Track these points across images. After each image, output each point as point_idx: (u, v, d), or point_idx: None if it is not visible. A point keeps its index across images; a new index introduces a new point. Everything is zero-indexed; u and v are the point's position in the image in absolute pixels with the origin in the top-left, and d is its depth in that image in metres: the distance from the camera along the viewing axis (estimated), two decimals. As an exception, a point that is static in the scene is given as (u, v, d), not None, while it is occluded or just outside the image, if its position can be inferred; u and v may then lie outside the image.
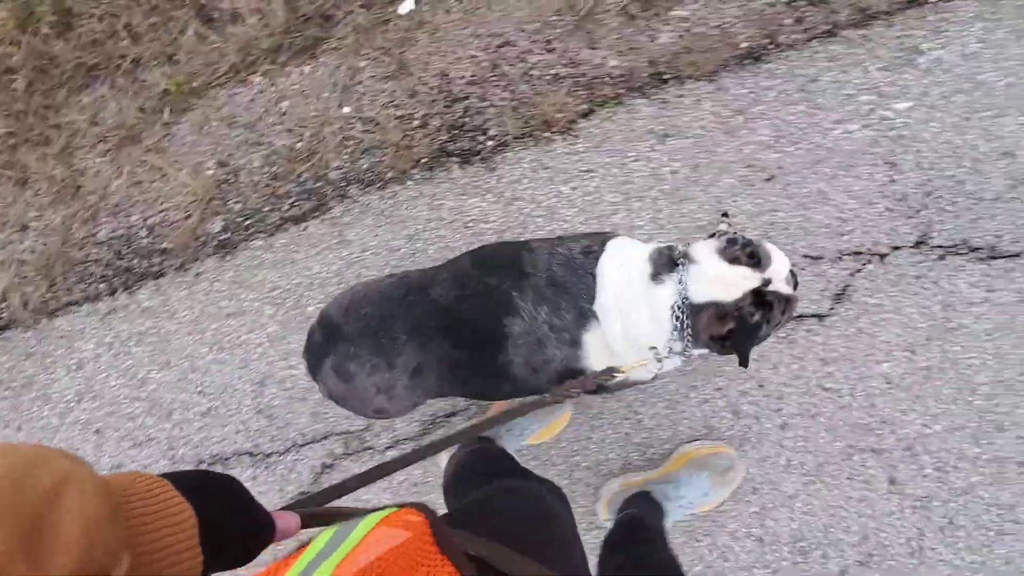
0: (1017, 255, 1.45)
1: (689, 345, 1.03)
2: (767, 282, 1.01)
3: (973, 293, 1.45)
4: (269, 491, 1.66)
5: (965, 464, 1.44)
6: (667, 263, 1.04)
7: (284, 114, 1.77)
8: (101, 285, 1.82)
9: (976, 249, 1.46)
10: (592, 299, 1.05)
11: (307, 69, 1.77)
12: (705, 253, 1.03)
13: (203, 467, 1.70)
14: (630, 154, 1.58)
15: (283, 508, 0.64)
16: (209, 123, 1.81)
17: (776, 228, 1.52)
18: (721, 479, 1.43)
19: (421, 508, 0.54)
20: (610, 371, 1.03)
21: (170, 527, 0.46)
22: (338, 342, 1.14)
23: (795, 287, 1.08)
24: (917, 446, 1.45)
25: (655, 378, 1.18)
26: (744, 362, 1.03)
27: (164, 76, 1.83)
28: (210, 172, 1.79)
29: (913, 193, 1.48)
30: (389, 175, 1.70)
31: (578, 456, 1.56)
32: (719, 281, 1.00)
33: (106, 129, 1.84)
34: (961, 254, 1.46)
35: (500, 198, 1.62)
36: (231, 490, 0.56)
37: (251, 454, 1.68)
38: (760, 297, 1.00)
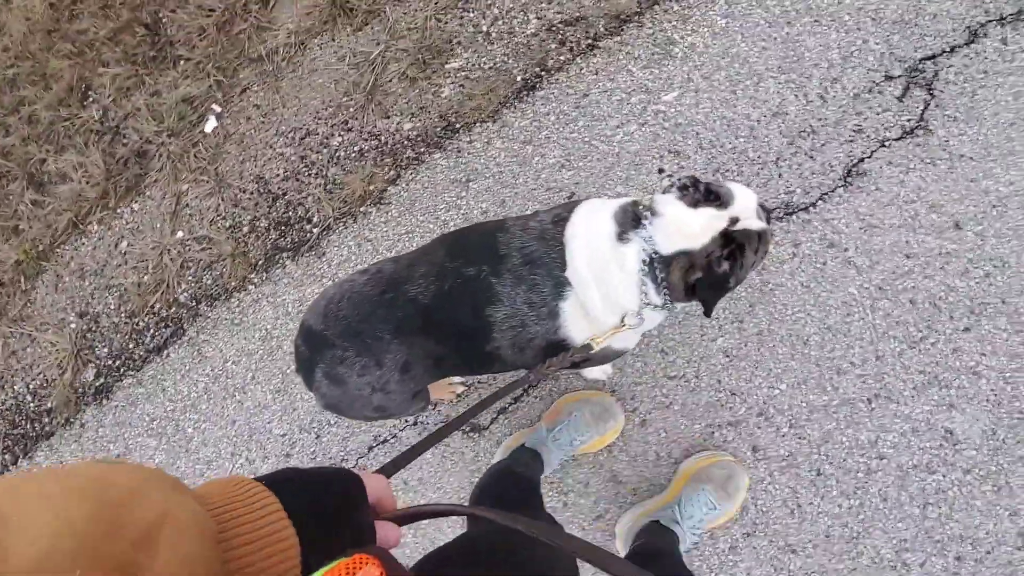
0: (811, 205, 1.50)
1: (668, 300, 1.02)
2: (735, 220, 0.97)
3: (781, 251, 1.51)
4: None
5: (817, 414, 1.48)
6: (632, 219, 1.00)
7: (125, 253, 1.84)
8: (6, 456, 1.88)
9: (771, 210, 1.51)
10: (564, 267, 1.03)
11: (136, 206, 1.85)
12: (667, 202, 0.99)
13: None
14: (440, 207, 1.65)
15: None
16: (62, 280, 1.88)
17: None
18: (724, 490, 1.40)
19: (379, 554, 0.49)
20: (586, 348, 1.02)
21: (273, 556, 0.43)
22: (324, 348, 1.11)
23: (768, 220, 1.06)
24: (769, 409, 1.49)
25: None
26: (707, 312, 1.01)
27: (13, 248, 1.91)
28: (73, 325, 1.86)
29: (701, 173, 1.55)
30: (232, 284, 1.77)
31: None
32: (685, 228, 0.97)
33: (-30, 311, 1.92)
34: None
35: (334, 280, 1.69)
36: (345, 497, 0.53)
37: None
38: (730, 240, 0.97)
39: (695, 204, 0.97)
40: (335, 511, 0.52)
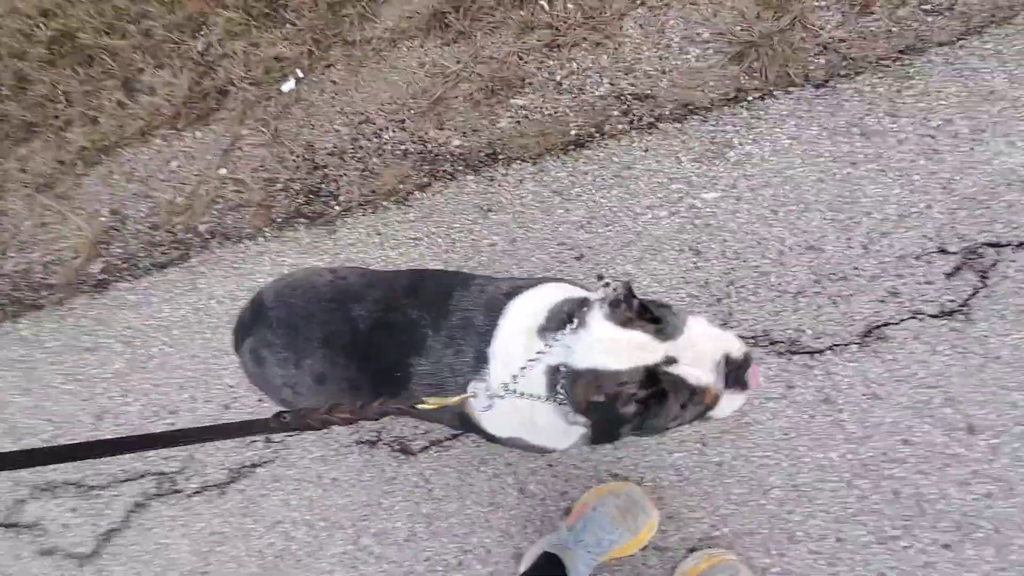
0: (818, 352, 1.39)
1: (571, 415, 0.89)
2: (669, 360, 0.84)
3: (771, 388, 1.39)
4: (84, 523, 1.70)
5: None
6: (562, 319, 0.92)
7: (172, 172, 1.96)
8: (-1, 313, 2.00)
9: (776, 342, 1.41)
10: (490, 342, 0.97)
11: (198, 134, 1.97)
12: (596, 315, 0.88)
13: (38, 491, 1.76)
14: (455, 225, 1.66)
15: None
16: (111, 176, 2.02)
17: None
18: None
19: None
20: (418, 401, 0.91)
21: None
22: (261, 325, 1.12)
23: (737, 381, 0.90)
24: (703, 547, 1.35)
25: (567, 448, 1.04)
26: (592, 439, 0.90)
27: (85, 135, 2.08)
28: (103, 219, 1.98)
29: (716, 281, 1.47)
30: (247, 231, 1.83)
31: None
32: (604, 348, 0.85)
33: (30, 176, 2.09)
34: (761, 346, 1.42)
35: (335, 259, 1.71)
36: None
37: (77, 485, 1.73)
38: (653, 381, 0.83)
39: (625, 323, 0.85)
40: None
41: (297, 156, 1.87)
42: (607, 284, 0.90)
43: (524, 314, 0.97)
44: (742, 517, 1.35)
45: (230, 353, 1.71)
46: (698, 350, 0.85)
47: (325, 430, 0.93)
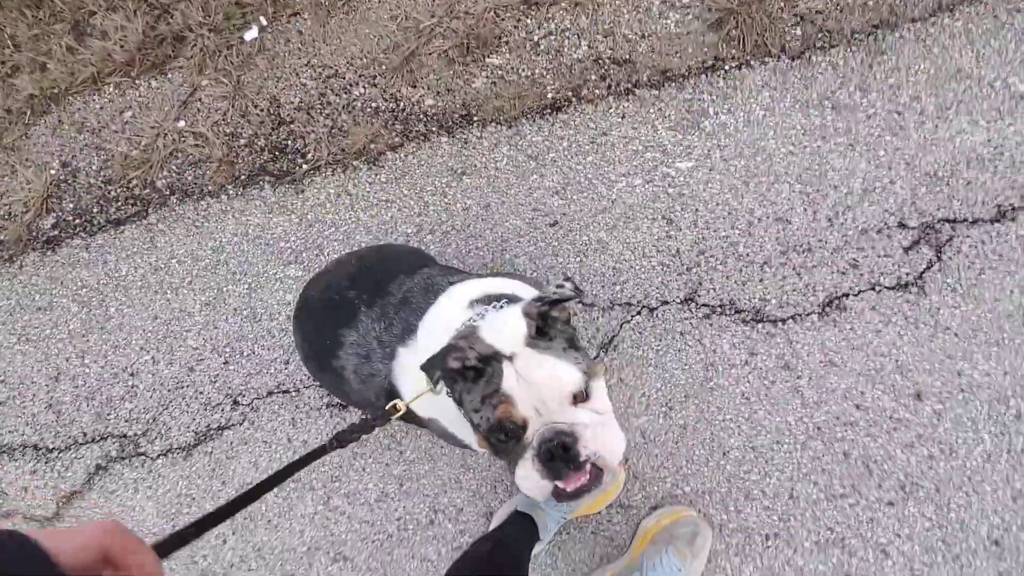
0: (781, 320, 1.43)
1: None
2: (513, 358, 0.85)
3: (735, 355, 1.44)
4: (45, 486, 1.66)
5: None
6: (488, 300, 0.97)
7: (126, 123, 1.85)
8: (-57, 269, 1.88)
9: (741, 311, 1.45)
10: (422, 317, 1.02)
11: (153, 83, 1.86)
12: (519, 304, 0.92)
13: (-9, 456, 1.71)
14: (428, 188, 1.63)
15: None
16: (61, 126, 1.90)
17: (554, 272, 1.53)
18: (690, 549, 1.31)
19: None
20: (391, 408, 0.92)
21: None
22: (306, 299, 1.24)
23: (550, 456, 0.84)
24: (664, 505, 1.41)
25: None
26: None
27: (33, 82, 1.94)
28: (53, 172, 1.87)
29: (687, 250, 1.49)
30: (209, 188, 1.76)
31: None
32: (499, 327, 0.88)
33: (-31, 124, 1.94)
34: (727, 314, 1.46)
35: (303, 220, 1.67)
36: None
37: (36, 447, 1.69)
38: (487, 361, 0.86)
39: (525, 316, 0.88)
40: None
41: (261, 110, 1.79)
42: (561, 286, 0.92)
43: (463, 293, 1.02)
44: (703, 477, 1.41)
45: (193, 314, 1.67)
46: (532, 376, 0.83)
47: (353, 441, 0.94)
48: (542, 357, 0.85)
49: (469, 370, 0.85)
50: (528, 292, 1.04)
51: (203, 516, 0.62)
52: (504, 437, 0.84)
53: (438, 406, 0.94)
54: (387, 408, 0.92)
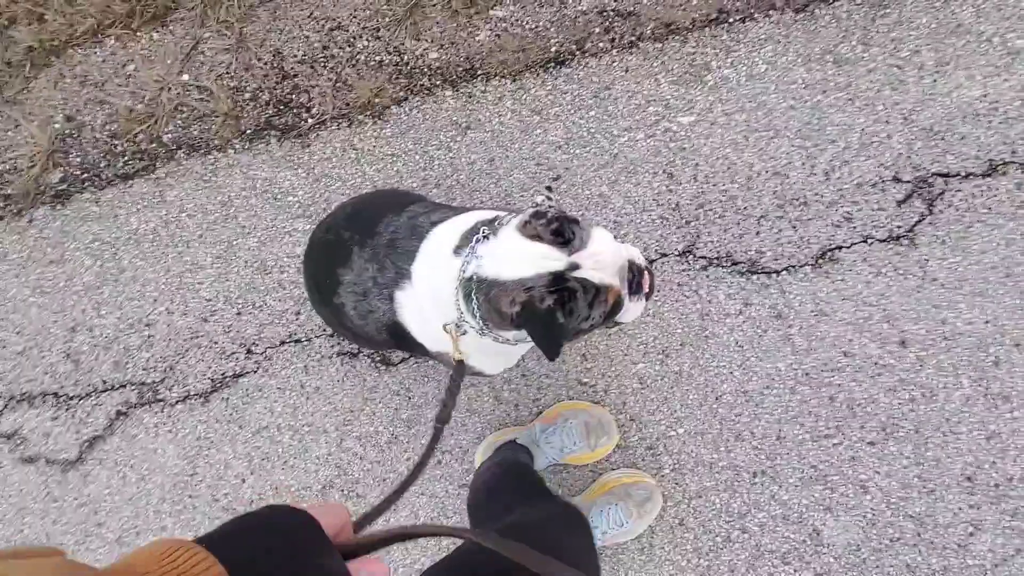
0: (776, 272, 1.49)
1: (484, 324, 0.97)
2: (574, 266, 0.90)
3: (730, 305, 1.50)
4: (67, 431, 1.74)
5: (701, 468, 1.48)
6: (473, 236, 0.99)
7: (130, 77, 1.85)
8: (-47, 224, 1.91)
9: (738, 263, 1.50)
10: (412, 261, 1.07)
11: (155, 36, 1.85)
12: (508, 227, 0.95)
13: (14, 402, 1.78)
14: (433, 142, 1.65)
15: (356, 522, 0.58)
16: (63, 80, 1.89)
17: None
18: (638, 510, 1.41)
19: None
20: (459, 365, 1.01)
21: None
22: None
23: (637, 286, 0.98)
24: (659, 447, 1.50)
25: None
26: (548, 355, 0.90)
27: (32, 34, 1.92)
28: (57, 126, 1.88)
29: (686, 204, 1.53)
30: (215, 142, 1.77)
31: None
32: (510, 257, 0.91)
33: (-30, 77, 1.94)
34: (723, 266, 1.51)
35: (310, 174, 1.69)
36: (295, 546, 0.45)
37: (56, 395, 1.76)
38: (562, 282, 0.89)
39: (532, 237, 0.91)
40: (291, 566, 0.44)
41: (265, 63, 1.79)
42: (549, 196, 0.97)
43: (442, 237, 1.05)
44: (696, 419, 1.49)
45: (205, 267, 1.71)
46: (600, 258, 0.92)
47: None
48: (592, 246, 0.93)
49: (568, 300, 0.90)
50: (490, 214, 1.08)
51: (372, 509, 0.65)
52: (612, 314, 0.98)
53: (472, 347, 1.04)
54: (456, 366, 1.01)
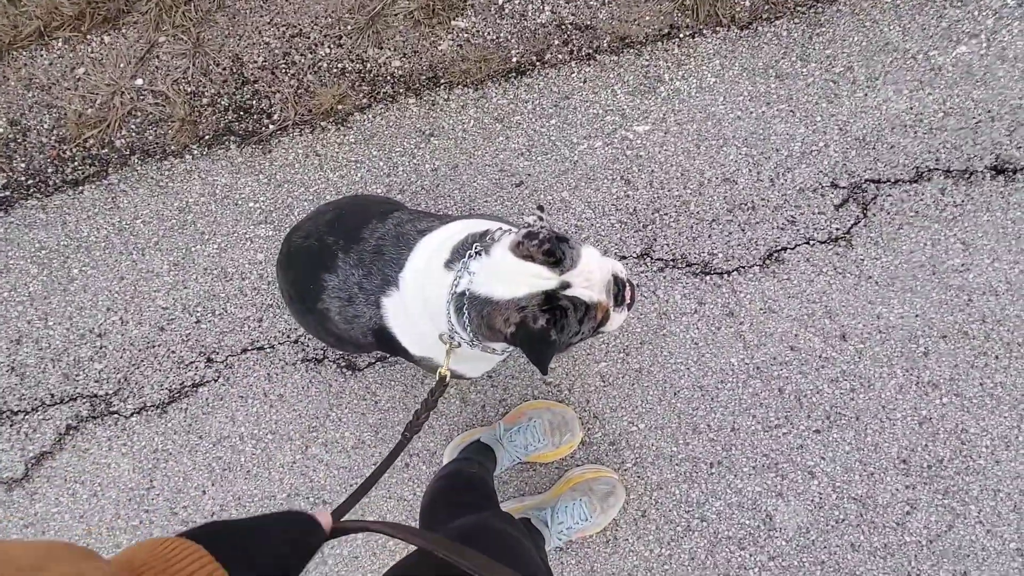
0: (727, 272, 1.57)
1: (474, 337, 0.99)
2: (565, 285, 0.93)
3: (686, 304, 1.57)
4: (11, 448, 1.66)
5: (662, 461, 1.54)
6: (466, 251, 1.00)
7: (79, 80, 1.80)
8: None
9: (692, 264, 1.58)
10: (400, 269, 1.08)
11: (107, 39, 1.80)
12: (501, 246, 0.96)
13: (-48, 421, 1.69)
14: (397, 149, 1.67)
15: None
16: (7, 82, 1.82)
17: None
18: (601, 504, 1.44)
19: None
20: (440, 380, 1.03)
21: None
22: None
23: (620, 298, 1.03)
24: (622, 442, 1.55)
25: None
26: (541, 369, 0.94)
27: (-31, 33, 1.84)
28: (0, 130, 1.80)
29: (643, 209, 1.61)
30: (171, 148, 1.74)
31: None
32: (503, 276, 0.93)
33: (-99, 77, 1.84)
34: (679, 268, 1.58)
35: (272, 180, 1.69)
36: (298, 545, 0.50)
37: (-1, 411, 1.68)
38: (553, 300, 0.93)
39: (525, 258, 0.93)
40: (290, 563, 0.48)
41: (224, 69, 1.77)
42: (540, 216, 1.01)
43: (432, 248, 1.07)
44: (655, 414, 1.55)
45: (162, 274, 1.68)
46: (589, 276, 0.96)
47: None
48: (582, 265, 0.96)
49: (560, 319, 0.94)
50: (480, 225, 1.10)
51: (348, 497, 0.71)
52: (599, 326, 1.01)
53: (433, 345, 1.07)
54: (438, 382, 1.02)
